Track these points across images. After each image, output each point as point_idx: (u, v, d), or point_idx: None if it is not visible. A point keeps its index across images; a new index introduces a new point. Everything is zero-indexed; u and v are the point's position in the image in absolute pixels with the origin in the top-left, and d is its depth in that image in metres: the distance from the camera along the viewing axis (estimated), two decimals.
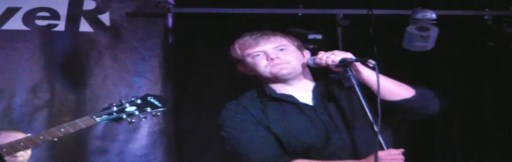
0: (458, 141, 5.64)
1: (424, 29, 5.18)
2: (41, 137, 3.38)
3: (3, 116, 4.89)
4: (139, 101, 3.54)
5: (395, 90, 2.92)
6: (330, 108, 3.00)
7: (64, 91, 5.09)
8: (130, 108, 3.53)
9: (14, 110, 4.93)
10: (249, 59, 3.06)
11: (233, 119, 3.08)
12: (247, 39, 3.11)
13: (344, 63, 2.89)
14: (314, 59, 2.95)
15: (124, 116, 3.46)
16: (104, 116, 3.50)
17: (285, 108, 3.04)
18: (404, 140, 5.54)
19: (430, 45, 5.19)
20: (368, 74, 2.91)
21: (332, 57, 2.90)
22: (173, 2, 5.26)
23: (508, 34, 5.39)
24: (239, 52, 3.12)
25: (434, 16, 5.17)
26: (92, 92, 5.14)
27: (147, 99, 3.57)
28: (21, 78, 5.05)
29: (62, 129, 3.36)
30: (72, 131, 3.40)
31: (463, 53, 5.67)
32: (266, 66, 3.00)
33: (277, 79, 3.04)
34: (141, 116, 3.50)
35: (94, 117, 3.43)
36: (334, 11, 5.29)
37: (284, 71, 2.99)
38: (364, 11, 5.30)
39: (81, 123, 3.43)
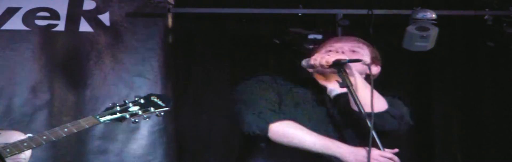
0: (458, 141, 5.65)
1: (424, 29, 5.18)
2: (44, 137, 3.36)
3: (3, 116, 4.89)
4: (142, 101, 3.53)
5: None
6: (341, 106, 3.09)
7: (64, 91, 5.08)
8: (133, 108, 3.52)
9: (14, 110, 4.92)
10: (321, 52, 3.18)
11: (250, 84, 3.23)
12: (334, 38, 3.38)
13: (337, 64, 2.94)
14: (308, 60, 3.01)
15: (128, 116, 3.45)
16: (107, 116, 3.48)
17: (308, 92, 3.17)
18: (404, 140, 5.52)
19: (430, 45, 5.20)
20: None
21: (326, 57, 2.96)
22: (173, 2, 5.26)
23: (508, 34, 5.41)
24: (320, 47, 3.28)
25: (434, 16, 5.16)
26: (92, 92, 5.13)
27: (150, 98, 3.56)
28: (21, 78, 5.04)
29: (66, 129, 3.36)
30: (75, 131, 3.38)
31: (463, 53, 5.67)
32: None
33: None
34: (144, 116, 3.49)
35: (97, 117, 3.42)
36: (334, 11, 5.30)
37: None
38: (364, 11, 5.30)
39: (84, 123, 3.41)
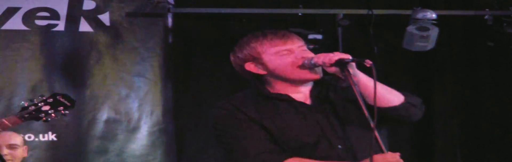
0: (458, 141, 5.67)
1: (424, 29, 5.20)
2: None
3: (3, 116, 4.63)
4: (51, 100, 3.79)
5: (385, 96, 2.90)
6: (325, 109, 2.98)
7: (64, 91, 4.87)
8: (45, 107, 3.79)
9: (14, 110, 4.78)
10: (272, 57, 2.99)
11: (226, 117, 3.02)
12: (271, 36, 3.04)
13: (341, 63, 2.85)
14: (312, 58, 2.93)
15: (42, 115, 3.75)
16: (26, 115, 3.74)
17: (279, 106, 3.01)
18: (404, 141, 5.58)
19: (430, 45, 5.22)
20: (362, 77, 2.89)
21: (329, 56, 2.87)
22: (172, 2, 5.25)
23: (508, 34, 5.43)
24: (257, 49, 3.03)
25: (434, 16, 5.18)
26: (92, 92, 5.14)
27: (57, 98, 3.82)
28: (21, 78, 5.05)
29: None
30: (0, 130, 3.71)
31: (463, 53, 5.68)
32: (297, 66, 2.96)
33: (297, 80, 3.02)
34: (55, 115, 3.80)
35: (19, 116, 3.72)
36: (334, 11, 5.32)
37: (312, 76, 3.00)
38: (364, 11, 5.31)
39: (7, 121, 3.68)
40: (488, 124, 5.58)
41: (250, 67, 2.99)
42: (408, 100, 2.94)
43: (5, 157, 3.78)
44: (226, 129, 2.98)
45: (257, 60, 2.97)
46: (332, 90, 2.99)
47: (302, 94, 2.99)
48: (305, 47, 3.01)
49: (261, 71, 2.97)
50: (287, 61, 2.90)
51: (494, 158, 5.49)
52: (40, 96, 3.84)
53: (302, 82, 2.99)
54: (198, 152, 5.27)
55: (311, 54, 2.94)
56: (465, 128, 5.60)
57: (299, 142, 2.89)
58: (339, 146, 2.89)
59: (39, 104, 3.78)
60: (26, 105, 3.79)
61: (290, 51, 2.93)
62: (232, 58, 3.09)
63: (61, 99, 3.87)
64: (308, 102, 2.98)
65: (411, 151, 5.57)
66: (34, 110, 3.75)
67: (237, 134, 2.95)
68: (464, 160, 5.53)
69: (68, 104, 3.87)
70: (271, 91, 2.98)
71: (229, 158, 3.00)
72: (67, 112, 3.88)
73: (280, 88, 2.97)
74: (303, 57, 2.91)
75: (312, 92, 2.98)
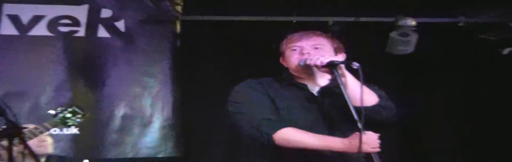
0: (456, 142, 5.62)
1: (406, 34, 5.27)
2: (42, 128, 4.05)
3: (31, 112, 5.02)
4: (71, 110, 4.23)
5: (359, 96, 2.90)
6: (328, 102, 3.06)
7: (84, 90, 5.19)
8: (68, 115, 4.23)
9: (41, 107, 5.02)
10: (287, 52, 3.10)
11: (246, 89, 3.12)
12: (294, 35, 3.15)
13: (331, 64, 2.94)
14: (305, 60, 3.02)
15: (68, 121, 4.21)
16: (58, 121, 4.18)
17: (294, 92, 3.09)
18: (403, 141, 5.53)
19: (410, 49, 5.31)
20: (349, 78, 2.94)
21: (321, 58, 2.96)
22: (181, 10, 5.34)
23: (480, 39, 5.55)
24: (283, 45, 3.16)
25: (414, 23, 5.25)
26: (109, 91, 5.26)
27: (73, 108, 4.26)
28: (46, 79, 5.14)
29: (47, 124, 4.09)
30: (46, 131, 4.11)
31: (441, 56, 5.65)
32: (296, 59, 3.03)
33: (300, 71, 3.07)
34: (75, 122, 4.25)
35: (56, 121, 4.16)
36: (325, 18, 5.40)
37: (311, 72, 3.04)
38: (352, 19, 5.38)
39: (49, 125, 4.10)
40: (488, 125, 5.53)
41: (281, 60, 3.15)
42: (380, 103, 3.02)
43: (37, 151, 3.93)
44: (243, 96, 3.08)
45: (282, 55, 3.14)
46: (338, 88, 3.02)
47: (317, 86, 3.10)
48: (321, 46, 3.05)
49: (286, 65, 3.11)
50: (294, 57, 3.03)
51: (494, 159, 5.45)
52: (61, 107, 4.27)
53: (308, 75, 3.07)
54: (204, 144, 5.35)
55: (317, 54, 3.00)
56: (465, 129, 5.57)
57: (295, 123, 2.99)
58: (328, 131, 2.98)
59: (64, 113, 4.20)
60: (54, 113, 4.19)
61: (301, 48, 3.03)
62: (278, 48, 3.19)
63: (76, 109, 4.26)
64: (318, 93, 3.08)
65: (410, 151, 5.59)
66: (62, 117, 4.19)
67: (250, 101, 3.05)
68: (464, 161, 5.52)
69: (81, 112, 4.26)
70: (295, 79, 3.09)
71: (236, 121, 3.07)
72: (80, 120, 4.30)
73: (300, 78, 3.09)
74: (303, 54, 2.99)
75: (327, 86, 3.11)
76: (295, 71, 3.10)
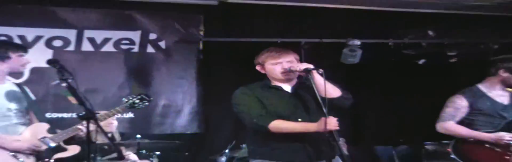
0: (381, 122, 6.35)
1: (353, 50, 6.26)
2: (113, 111, 4.22)
3: (101, 104, 5.57)
4: (139, 97, 4.32)
5: (329, 91, 3.31)
6: (299, 96, 3.48)
7: (138, 88, 5.88)
8: (137, 101, 4.35)
9: (108, 99, 5.76)
10: (269, 66, 3.51)
11: (242, 95, 3.51)
12: (272, 53, 3.49)
13: (306, 70, 3.38)
14: (290, 67, 3.45)
15: (136, 105, 4.33)
16: (128, 105, 4.31)
17: (274, 93, 3.51)
18: (351, 122, 6.18)
19: (356, 60, 6.32)
20: (319, 79, 3.36)
21: (300, 66, 3.40)
22: (203, 34, 6.10)
23: (405, 54, 6.43)
24: (263, 59, 3.54)
25: (359, 43, 6.24)
26: (154, 89, 5.98)
27: (142, 96, 4.34)
28: (111, 81, 5.86)
29: (118, 109, 4.24)
30: (121, 111, 4.24)
31: (378, 66, 6.36)
32: (280, 73, 3.49)
33: (281, 79, 3.51)
34: (142, 105, 4.32)
35: (126, 105, 4.27)
36: (298, 40, 6.34)
37: (289, 77, 3.51)
38: (317, 40, 6.36)
39: (120, 108, 4.24)
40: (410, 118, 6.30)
41: (259, 68, 3.63)
42: (343, 95, 3.45)
43: (105, 129, 3.90)
44: (241, 100, 3.50)
45: (262, 65, 3.61)
46: (305, 86, 3.50)
47: (289, 86, 3.56)
48: (292, 60, 3.46)
49: (264, 72, 3.60)
50: (276, 69, 3.54)
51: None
52: (132, 95, 4.38)
53: (285, 80, 3.56)
54: (218, 124, 6.12)
55: (293, 65, 3.45)
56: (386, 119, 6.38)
57: (278, 114, 3.44)
58: (299, 120, 3.45)
59: (134, 99, 4.37)
60: (126, 100, 4.35)
61: (280, 63, 3.54)
62: (255, 60, 3.64)
63: (144, 96, 4.43)
64: (291, 91, 3.53)
65: (354, 130, 6.45)
66: (132, 103, 4.34)
67: (246, 103, 3.47)
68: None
69: (147, 98, 4.44)
70: (272, 83, 3.59)
71: (240, 117, 3.50)
72: (147, 104, 4.41)
73: (275, 82, 3.59)
74: (285, 68, 3.49)
75: (295, 86, 3.57)
76: (276, 78, 3.50)
